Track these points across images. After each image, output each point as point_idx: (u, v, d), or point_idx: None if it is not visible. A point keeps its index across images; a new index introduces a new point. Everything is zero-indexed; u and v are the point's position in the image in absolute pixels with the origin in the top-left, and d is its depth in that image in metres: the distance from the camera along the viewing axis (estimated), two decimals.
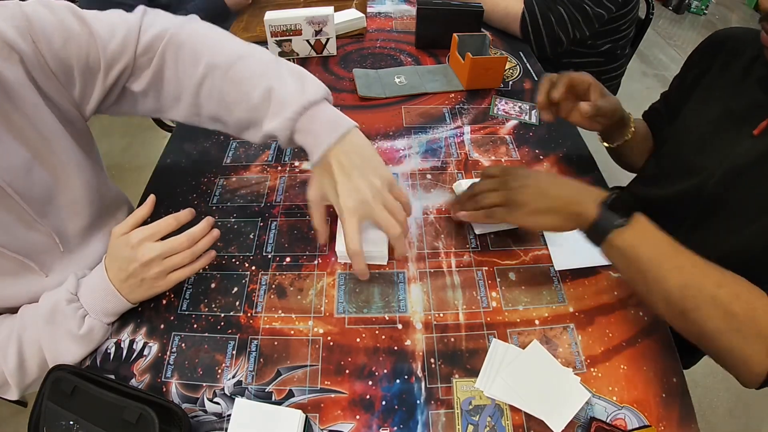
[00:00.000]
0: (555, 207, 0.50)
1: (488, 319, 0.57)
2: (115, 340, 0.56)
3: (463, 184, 0.68)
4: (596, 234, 0.47)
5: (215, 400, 0.51)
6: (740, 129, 0.62)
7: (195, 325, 0.57)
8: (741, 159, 0.61)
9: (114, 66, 0.55)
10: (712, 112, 0.67)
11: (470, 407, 0.50)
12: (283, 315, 0.57)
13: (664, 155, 0.76)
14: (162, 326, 0.57)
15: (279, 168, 0.77)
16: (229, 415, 0.48)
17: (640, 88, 2.48)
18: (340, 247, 0.61)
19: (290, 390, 0.51)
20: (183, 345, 0.55)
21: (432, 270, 0.62)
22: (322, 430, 0.48)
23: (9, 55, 0.47)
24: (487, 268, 0.62)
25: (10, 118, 0.49)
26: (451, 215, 0.65)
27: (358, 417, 0.49)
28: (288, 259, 0.63)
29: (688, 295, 0.41)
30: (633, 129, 0.74)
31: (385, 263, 0.62)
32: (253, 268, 0.62)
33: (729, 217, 0.61)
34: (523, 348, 0.53)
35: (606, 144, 0.79)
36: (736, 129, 0.63)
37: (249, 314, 0.58)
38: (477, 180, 0.62)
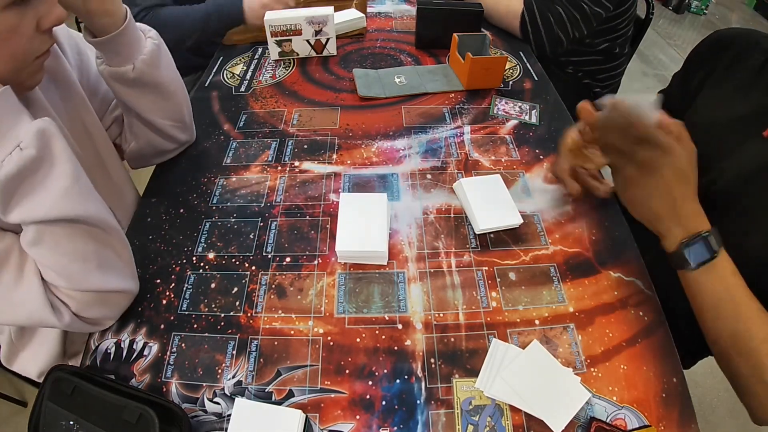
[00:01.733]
0: (647, 216, 0.52)
1: (488, 319, 0.57)
2: (115, 340, 0.56)
3: (464, 184, 0.68)
4: (671, 260, 0.51)
5: (215, 400, 0.51)
6: (749, 132, 0.61)
7: (195, 325, 0.57)
8: (750, 163, 0.59)
9: None
10: (718, 116, 0.66)
11: (470, 407, 0.50)
12: (283, 315, 0.57)
13: None
14: (162, 326, 0.57)
15: (279, 168, 0.77)
16: (229, 415, 0.48)
17: (640, 88, 2.48)
18: (340, 247, 0.61)
19: (290, 390, 0.51)
20: (183, 345, 0.55)
21: (432, 270, 0.62)
22: (322, 430, 0.48)
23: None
24: (487, 268, 0.62)
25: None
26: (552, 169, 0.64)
27: (358, 417, 0.49)
28: (288, 259, 0.63)
29: (735, 342, 0.47)
30: None
31: (385, 263, 0.62)
32: (253, 268, 0.62)
33: (737, 221, 0.59)
34: (523, 348, 0.53)
35: None
36: (744, 132, 0.61)
37: (249, 314, 0.58)
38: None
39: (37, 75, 0.51)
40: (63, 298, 0.51)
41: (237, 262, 0.63)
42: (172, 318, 0.57)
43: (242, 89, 0.96)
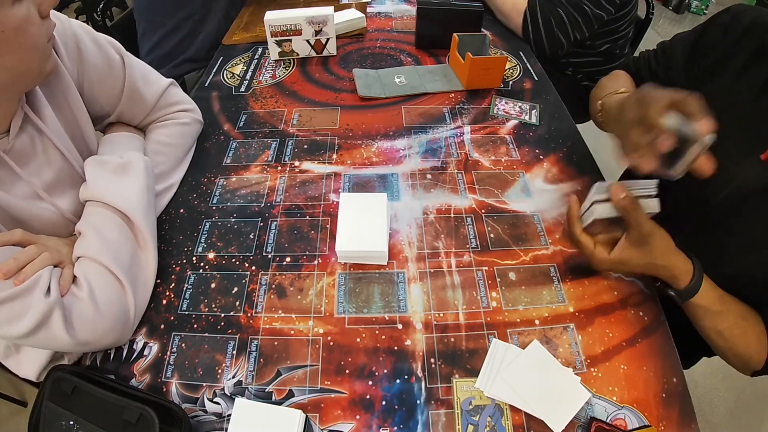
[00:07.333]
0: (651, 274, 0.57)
1: (488, 319, 0.57)
2: None
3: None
4: (684, 297, 0.57)
5: (215, 400, 0.51)
6: (750, 150, 0.59)
7: (195, 325, 0.57)
8: (747, 184, 0.59)
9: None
10: (726, 119, 0.62)
11: (470, 407, 0.50)
12: (283, 315, 0.57)
13: None
14: (162, 326, 0.57)
15: (279, 168, 0.77)
16: (229, 415, 0.48)
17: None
18: (340, 247, 0.61)
19: (290, 390, 0.51)
20: (183, 345, 0.55)
21: (432, 270, 0.62)
22: (322, 430, 0.48)
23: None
24: (487, 268, 0.62)
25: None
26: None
27: (358, 417, 0.49)
28: (288, 259, 0.63)
29: (716, 335, 0.57)
30: None
31: (385, 263, 0.62)
32: (253, 268, 0.62)
33: (732, 240, 0.59)
34: (523, 348, 0.53)
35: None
36: (746, 149, 0.59)
37: (249, 314, 0.58)
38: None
39: (51, 59, 0.53)
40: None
41: (237, 262, 0.63)
42: (172, 318, 0.57)
43: (242, 89, 0.96)
